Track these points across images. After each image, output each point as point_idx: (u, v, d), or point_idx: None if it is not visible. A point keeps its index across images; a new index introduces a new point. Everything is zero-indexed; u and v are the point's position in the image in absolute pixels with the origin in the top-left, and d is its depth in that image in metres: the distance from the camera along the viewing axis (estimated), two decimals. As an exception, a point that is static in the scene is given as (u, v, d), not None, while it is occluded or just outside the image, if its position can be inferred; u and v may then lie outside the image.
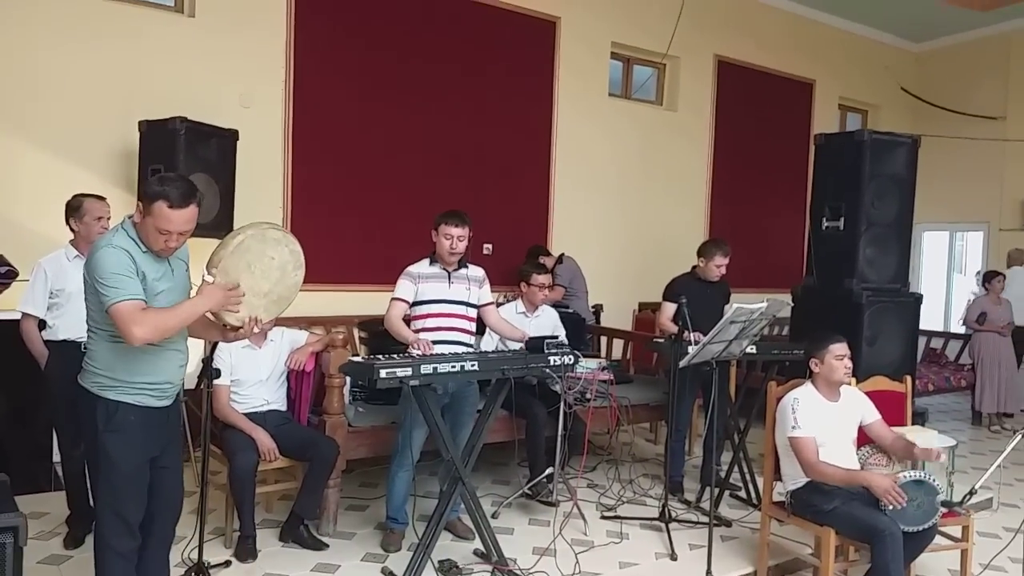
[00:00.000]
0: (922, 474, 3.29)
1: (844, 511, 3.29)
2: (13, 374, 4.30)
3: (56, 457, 4.27)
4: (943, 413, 7.79)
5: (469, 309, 3.91)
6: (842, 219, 5.02)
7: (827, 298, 5.02)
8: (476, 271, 3.97)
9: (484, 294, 3.98)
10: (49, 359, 3.67)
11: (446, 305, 3.83)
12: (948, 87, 9.66)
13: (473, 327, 3.94)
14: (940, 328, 9.30)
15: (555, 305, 5.43)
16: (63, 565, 3.52)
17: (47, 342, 3.67)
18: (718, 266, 4.71)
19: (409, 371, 3.21)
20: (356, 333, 5.07)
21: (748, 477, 4.66)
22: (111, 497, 2.59)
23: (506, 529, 4.11)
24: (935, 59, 9.96)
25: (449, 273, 3.86)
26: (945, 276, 8.97)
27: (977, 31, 9.33)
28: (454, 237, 3.79)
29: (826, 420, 3.45)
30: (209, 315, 2.72)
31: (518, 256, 6.20)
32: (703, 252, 4.78)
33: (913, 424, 4.00)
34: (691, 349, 3.82)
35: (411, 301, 3.81)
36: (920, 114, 9.78)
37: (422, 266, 3.87)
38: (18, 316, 3.71)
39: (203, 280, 2.62)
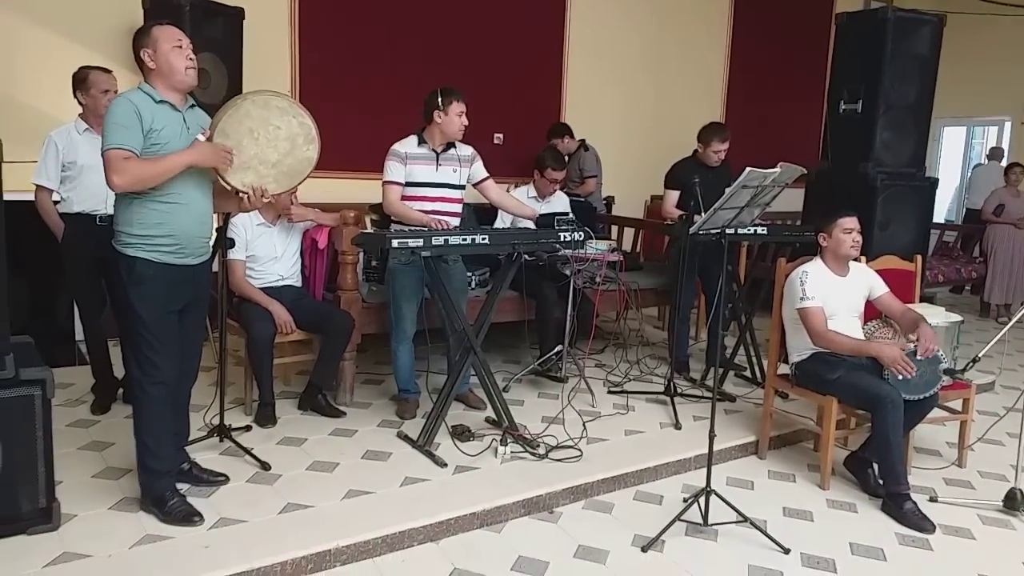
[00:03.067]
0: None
1: (847, 380, 3.37)
2: (34, 258, 4.38)
3: (79, 336, 4.39)
4: (951, 306, 7.79)
5: (457, 191, 3.84)
6: (860, 101, 4.93)
7: (841, 182, 4.99)
8: (465, 149, 3.87)
9: (476, 171, 3.90)
10: (65, 232, 3.72)
11: (432, 188, 3.76)
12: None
13: (460, 209, 3.89)
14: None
15: (567, 192, 5.41)
16: (91, 428, 3.67)
17: (62, 215, 3.72)
18: (715, 152, 4.63)
19: (421, 242, 3.24)
20: (367, 217, 5.07)
21: (754, 359, 4.74)
22: (138, 345, 2.72)
23: (517, 401, 4.23)
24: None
25: (437, 154, 3.76)
26: (960, 169, 8.82)
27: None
28: (464, 113, 3.71)
29: (834, 293, 3.48)
30: (220, 181, 2.76)
31: (529, 146, 6.13)
32: (702, 137, 4.70)
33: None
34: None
35: (403, 182, 3.73)
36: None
37: (409, 145, 3.75)
38: (29, 197, 3.74)
39: (195, 139, 2.67)
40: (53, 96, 4.53)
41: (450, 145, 3.80)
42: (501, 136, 6.47)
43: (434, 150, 3.76)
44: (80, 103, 3.69)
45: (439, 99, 3.69)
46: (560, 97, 6.98)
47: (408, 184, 3.73)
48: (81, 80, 3.66)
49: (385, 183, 3.74)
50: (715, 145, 4.63)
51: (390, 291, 3.85)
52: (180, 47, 2.66)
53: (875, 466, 3.43)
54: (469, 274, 4.28)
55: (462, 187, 3.86)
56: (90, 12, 4.87)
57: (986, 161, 8.56)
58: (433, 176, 3.76)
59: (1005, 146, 9.16)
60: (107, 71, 3.72)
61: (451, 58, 6.22)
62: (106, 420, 3.77)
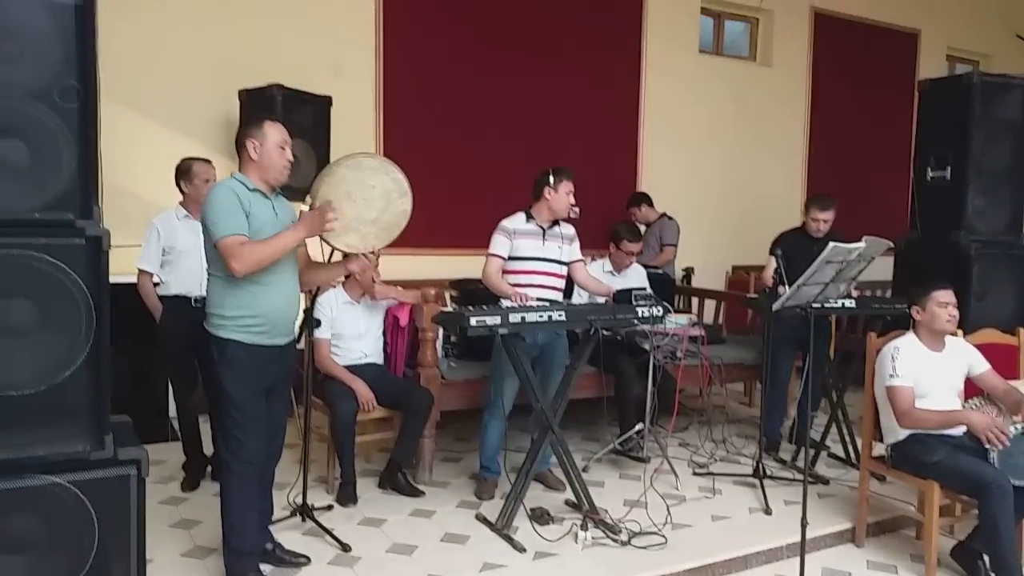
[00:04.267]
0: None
1: (948, 463, 3.18)
2: (132, 337, 4.60)
3: (172, 412, 4.56)
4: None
5: (560, 267, 3.93)
6: (948, 168, 4.77)
7: (932, 252, 4.80)
8: (568, 229, 3.98)
9: (574, 251, 3.99)
10: (162, 313, 3.90)
11: (539, 263, 3.86)
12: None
13: (563, 284, 3.97)
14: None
15: (644, 266, 5.38)
16: (181, 506, 3.76)
17: (160, 298, 3.91)
18: (814, 220, 4.59)
19: (498, 320, 3.27)
20: (447, 293, 5.17)
21: (847, 438, 4.53)
22: (227, 425, 2.80)
23: (597, 482, 4.14)
24: (1055, 2, 9.26)
25: (544, 230, 3.87)
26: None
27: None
28: (572, 191, 3.83)
29: (929, 370, 3.32)
30: (323, 243, 2.89)
31: (606, 218, 6.15)
32: (806, 206, 4.73)
33: (1028, 379, 3.81)
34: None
35: (506, 256, 3.84)
36: (1039, 62, 9.14)
37: (517, 221, 3.88)
38: (133, 280, 3.95)
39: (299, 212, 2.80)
40: (152, 182, 4.83)
41: (555, 223, 3.89)
42: (577, 208, 6.50)
43: (541, 226, 3.86)
44: (182, 191, 3.92)
45: (551, 178, 3.81)
46: (636, 168, 7.03)
47: (516, 259, 3.84)
48: (185, 171, 3.89)
49: (488, 255, 3.85)
50: (813, 213, 4.62)
51: (493, 366, 3.89)
52: (284, 148, 2.81)
53: (985, 558, 3.19)
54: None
55: (565, 264, 3.95)
56: (189, 101, 5.21)
57: None
58: (540, 251, 3.86)
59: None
60: (208, 161, 3.95)
61: (529, 134, 6.36)
62: (195, 497, 3.86)
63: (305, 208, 2.84)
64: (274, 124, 2.83)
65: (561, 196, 3.80)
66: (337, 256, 3.10)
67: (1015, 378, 3.66)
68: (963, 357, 3.43)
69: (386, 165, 2.96)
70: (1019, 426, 3.11)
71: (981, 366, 3.41)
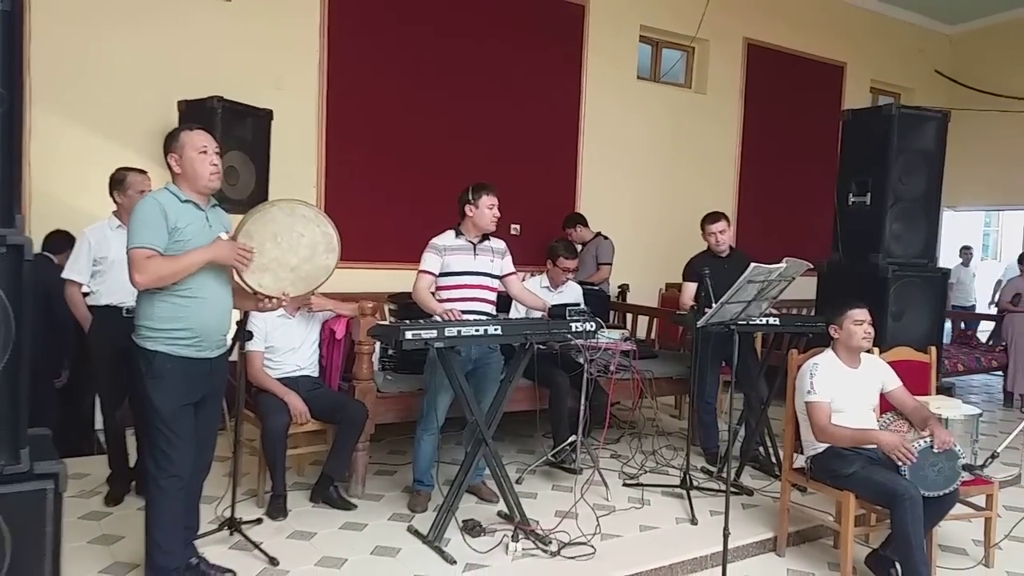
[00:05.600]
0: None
1: (863, 475, 3.31)
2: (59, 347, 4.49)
3: (99, 424, 4.45)
4: (973, 394, 7.70)
5: (493, 280, 3.99)
6: (868, 194, 5.01)
7: (853, 273, 5.02)
8: (498, 243, 4.05)
9: (506, 264, 4.05)
10: (92, 324, 3.82)
11: (471, 277, 3.91)
12: (983, 70, 9.51)
13: (495, 298, 4.02)
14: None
15: (580, 283, 5.49)
16: (103, 521, 3.66)
17: (90, 307, 3.82)
18: (711, 233, 4.80)
19: (434, 333, 3.30)
20: (386, 306, 5.17)
21: (771, 449, 4.69)
22: (154, 439, 2.75)
23: (529, 494, 4.18)
24: (970, 41, 9.81)
25: (474, 245, 3.93)
26: (979, 258, 8.85)
27: (1012, 12, 9.16)
28: (495, 206, 3.88)
29: (845, 386, 3.47)
30: (237, 279, 2.86)
31: (545, 236, 6.27)
32: (701, 225, 4.90)
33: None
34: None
35: (437, 273, 3.88)
36: (955, 97, 9.63)
37: (447, 238, 3.93)
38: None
39: (218, 237, 2.79)
40: (84, 191, 4.74)
41: (485, 237, 3.95)
42: (518, 227, 6.62)
43: (471, 241, 3.91)
44: (116, 202, 3.84)
45: (470, 194, 3.88)
46: (575, 189, 7.17)
47: (449, 274, 3.88)
48: (119, 181, 3.82)
49: (419, 271, 3.88)
50: (708, 228, 4.83)
51: (428, 379, 3.90)
52: (205, 152, 2.78)
53: (898, 565, 3.33)
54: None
55: (498, 277, 4.00)
56: (126, 111, 5.12)
57: (960, 261, 8.62)
58: (471, 265, 3.90)
59: (1020, 235, 9.19)
60: (143, 172, 3.88)
61: (470, 153, 6.44)
62: (119, 512, 3.77)
63: (225, 236, 2.82)
64: (191, 131, 2.81)
65: (483, 211, 3.86)
66: None
67: (926, 394, 3.84)
68: (878, 374, 3.59)
69: (320, 217, 2.95)
70: (926, 441, 3.27)
71: (893, 383, 3.58)
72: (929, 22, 9.66)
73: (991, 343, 7.68)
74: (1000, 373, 7.45)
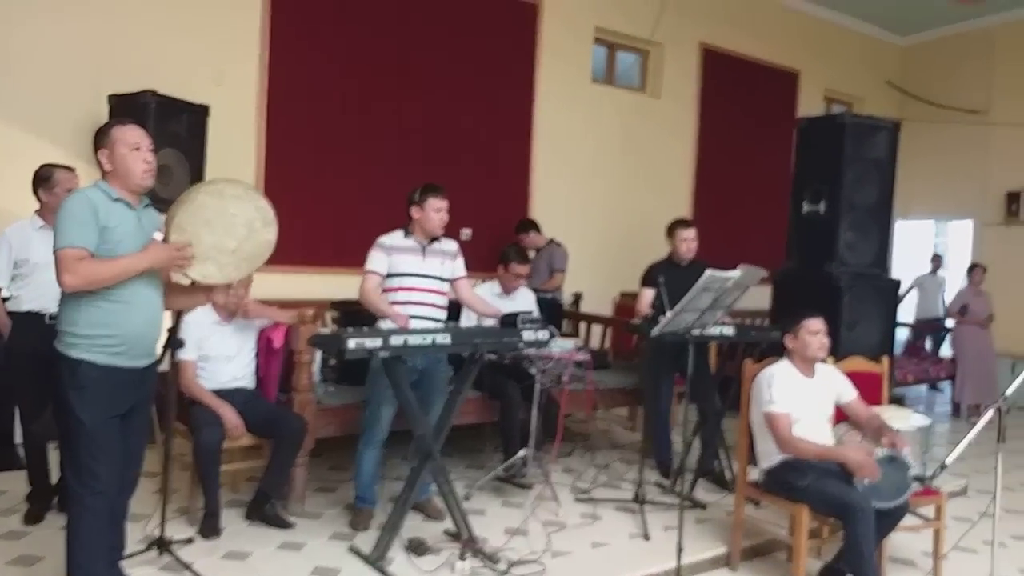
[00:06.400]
0: (895, 451, 3.26)
1: (817, 487, 3.26)
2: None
3: (18, 438, 4.19)
4: (923, 405, 7.79)
5: (442, 284, 3.84)
6: (822, 203, 5.00)
7: (807, 282, 5.00)
8: (450, 244, 3.90)
9: (457, 267, 3.91)
10: (11, 331, 3.61)
11: (420, 279, 3.76)
12: (933, 81, 9.66)
13: (446, 302, 3.88)
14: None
15: (533, 290, 5.37)
16: (21, 540, 3.44)
17: (10, 313, 3.62)
18: (683, 240, 4.69)
19: (379, 342, 3.14)
20: (328, 314, 4.99)
21: (725, 462, 4.63)
22: (78, 453, 2.58)
23: (478, 511, 4.04)
24: (920, 53, 9.97)
25: (423, 247, 3.78)
26: (930, 270, 8.96)
27: (962, 24, 9.33)
28: (443, 209, 3.74)
29: (802, 396, 3.41)
30: (180, 277, 2.70)
31: (497, 241, 6.14)
32: (669, 232, 4.79)
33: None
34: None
35: (384, 273, 3.73)
36: (905, 108, 9.78)
37: (395, 237, 3.78)
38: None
39: (152, 240, 2.63)
40: (10, 191, 4.46)
41: (435, 239, 3.81)
42: (469, 231, 6.47)
43: (420, 242, 3.76)
44: (40, 200, 3.63)
45: (417, 195, 3.75)
46: (527, 193, 7.05)
47: (395, 275, 3.73)
48: (46, 178, 3.60)
49: (365, 272, 3.72)
50: (681, 233, 4.70)
51: (369, 390, 3.74)
52: (138, 149, 2.62)
53: (850, 578, 3.28)
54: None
55: (447, 280, 3.86)
56: (54, 108, 4.86)
57: (929, 268, 8.73)
58: (420, 267, 3.76)
59: (969, 246, 9.36)
60: (71, 169, 3.68)
61: (419, 154, 6.28)
62: (38, 531, 3.55)
63: (158, 236, 2.65)
64: (123, 127, 2.65)
65: (428, 213, 3.72)
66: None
67: (878, 404, 3.81)
68: (833, 384, 3.55)
69: (250, 193, 2.80)
70: (882, 451, 3.23)
71: (849, 394, 3.54)
72: (882, 33, 9.79)
73: (938, 355, 7.79)
74: (948, 383, 7.55)
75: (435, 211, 3.72)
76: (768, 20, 8.59)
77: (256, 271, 2.98)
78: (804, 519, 3.27)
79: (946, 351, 7.97)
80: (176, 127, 4.71)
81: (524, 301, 4.83)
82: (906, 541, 3.94)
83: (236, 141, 5.42)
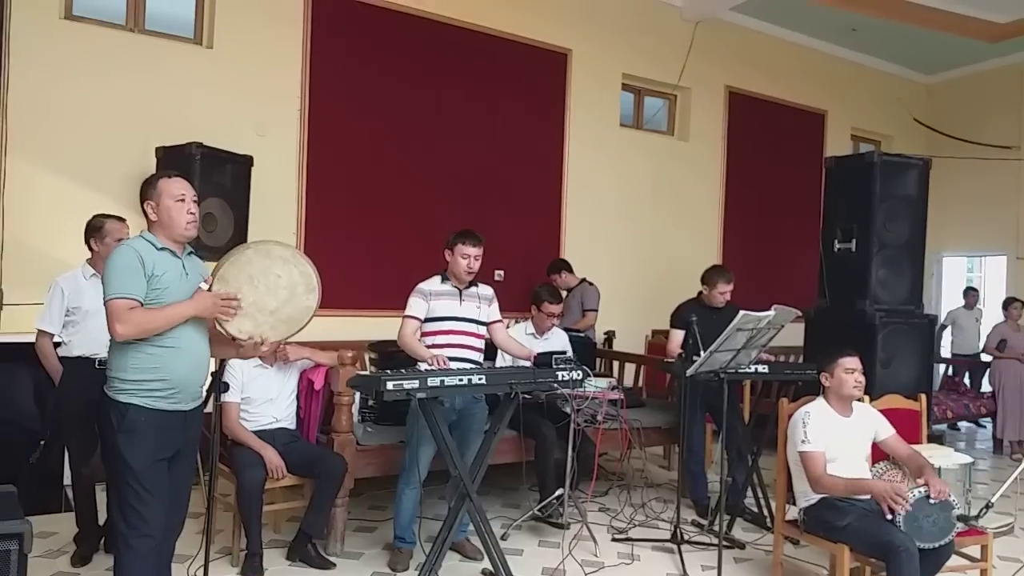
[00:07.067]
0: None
1: (858, 527, 3.22)
2: (27, 399, 4.36)
3: (67, 480, 4.29)
4: (963, 442, 7.64)
5: (479, 327, 3.92)
6: (854, 240, 5.01)
7: (840, 320, 4.99)
8: (486, 289, 4.00)
9: (493, 312, 4.00)
10: (63, 375, 3.71)
11: (457, 323, 3.85)
12: (960, 118, 9.66)
13: (482, 344, 3.96)
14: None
15: (566, 329, 5.42)
16: (70, 582, 3.51)
17: (61, 359, 3.71)
18: (721, 293, 4.73)
19: (416, 383, 3.20)
20: (367, 355, 5.08)
21: (762, 501, 4.59)
22: (126, 496, 2.63)
23: (515, 551, 4.05)
24: (947, 91, 9.99)
25: (460, 291, 3.88)
26: (964, 304, 8.84)
27: (988, 62, 9.34)
28: (471, 256, 3.83)
29: (838, 434, 3.40)
30: (218, 327, 2.77)
31: (530, 282, 6.21)
32: (706, 279, 4.81)
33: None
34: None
35: (423, 318, 3.82)
36: (934, 145, 9.75)
37: (433, 283, 3.89)
38: (31, 339, 3.75)
39: (198, 288, 2.71)
40: (58, 239, 4.66)
41: (472, 284, 3.90)
42: (502, 273, 6.57)
43: (456, 287, 3.86)
44: (92, 249, 3.75)
45: (450, 240, 3.87)
46: (559, 235, 7.15)
47: (434, 319, 3.82)
48: (97, 228, 3.72)
49: (404, 317, 3.82)
50: (720, 287, 4.72)
51: (410, 431, 3.80)
52: (183, 201, 2.71)
53: (894, 620, 3.22)
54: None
55: (484, 324, 3.94)
56: (104, 160, 5.07)
57: (963, 302, 8.60)
58: (457, 311, 3.86)
59: (1003, 280, 9.25)
60: (122, 219, 3.80)
61: (453, 199, 6.43)
62: (86, 572, 3.61)
63: (204, 286, 2.75)
64: (169, 179, 2.75)
65: (457, 259, 3.83)
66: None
67: (917, 442, 3.78)
68: (870, 422, 3.52)
69: (297, 257, 2.87)
70: (922, 490, 3.19)
71: (887, 431, 3.51)
72: (907, 72, 9.84)
73: (979, 390, 7.66)
74: (989, 420, 7.41)
75: (462, 257, 3.82)
76: (793, 62, 8.69)
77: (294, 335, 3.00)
78: (845, 560, 3.24)
79: (984, 386, 7.81)
80: (220, 177, 4.88)
81: (557, 341, 4.88)
82: (952, 582, 3.87)
83: (278, 190, 5.61)
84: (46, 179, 4.93)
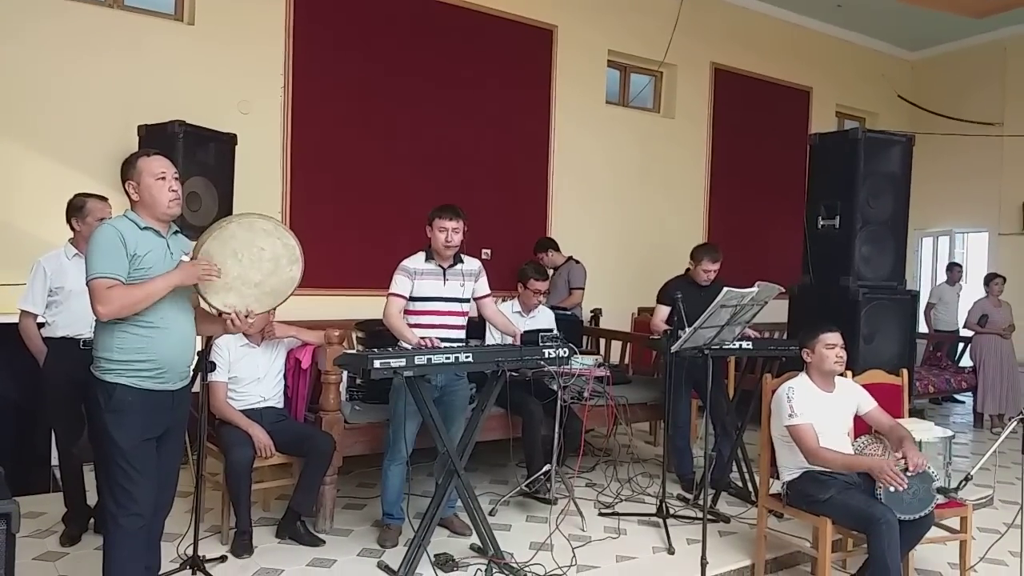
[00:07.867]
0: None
1: (840, 500, 3.28)
2: (12, 380, 4.34)
3: (55, 460, 4.29)
4: (944, 416, 7.76)
5: (462, 305, 3.92)
6: (837, 217, 5.05)
7: (824, 296, 5.04)
8: (472, 264, 3.96)
9: (480, 286, 3.98)
10: (47, 356, 3.69)
11: (440, 303, 3.84)
12: (944, 95, 9.70)
13: (465, 322, 3.95)
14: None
15: (552, 307, 5.44)
16: (58, 562, 3.51)
17: (45, 339, 3.70)
18: (706, 271, 4.75)
19: (403, 361, 3.22)
20: (354, 334, 5.07)
21: (747, 475, 4.65)
22: (114, 475, 2.63)
23: (503, 526, 4.09)
24: (931, 67, 10.02)
25: (444, 270, 3.86)
26: (947, 280, 8.93)
27: (972, 39, 9.38)
28: (448, 230, 3.78)
29: (821, 409, 3.44)
30: (202, 304, 2.77)
31: (516, 261, 6.21)
32: (694, 256, 4.84)
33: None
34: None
35: (408, 296, 3.81)
36: (918, 122, 9.80)
37: (417, 261, 3.86)
38: (15, 320, 3.73)
39: (180, 261, 2.71)
40: (39, 218, 4.61)
41: (457, 260, 3.88)
42: (489, 251, 6.57)
43: (440, 265, 3.84)
44: (74, 229, 3.71)
45: (429, 215, 3.83)
46: (545, 213, 7.15)
47: (417, 299, 3.80)
48: (79, 208, 3.69)
49: (389, 295, 3.79)
50: (706, 264, 4.74)
51: (392, 408, 3.81)
52: (164, 179, 2.69)
53: (875, 591, 3.28)
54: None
55: (467, 301, 3.93)
56: (86, 138, 5.01)
57: (945, 278, 8.67)
58: (440, 291, 3.83)
59: (984, 257, 9.34)
60: (104, 199, 3.76)
61: (438, 177, 6.40)
62: (75, 552, 3.62)
63: (186, 259, 2.74)
64: (148, 157, 2.73)
65: (435, 234, 3.79)
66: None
67: (900, 416, 3.83)
68: (852, 397, 3.57)
69: (280, 230, 2.87)
70: (903, 462, 3.25)
71: (869, 404, 3.56)
72: (891, 48, 9.86)
73: (959, 364, 7.76)
74: (970, 394, 7.53)
75: (440, 231, 3.78)
76: (778, 39, 8.68)
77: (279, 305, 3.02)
78: (827, 532, 3.29)
79: (965, 361, 7.92)
80: (204, 156, 4.84)
81: (544, 319, 4.90)
82: (933, 553, 3.94)
83: (263, 168, 5.57)
84: (27, 158, 4.87)
